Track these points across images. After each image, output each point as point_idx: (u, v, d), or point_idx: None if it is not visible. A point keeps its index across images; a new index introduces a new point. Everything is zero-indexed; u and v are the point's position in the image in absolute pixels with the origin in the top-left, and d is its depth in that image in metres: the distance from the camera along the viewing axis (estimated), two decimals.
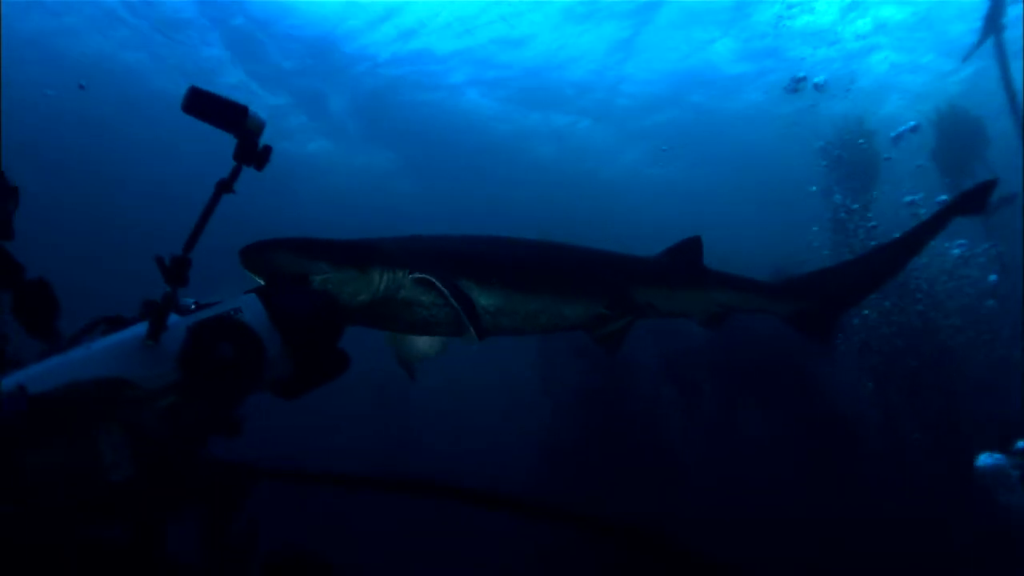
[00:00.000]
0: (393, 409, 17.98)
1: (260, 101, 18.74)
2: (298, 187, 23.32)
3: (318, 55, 18.02)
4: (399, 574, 10.47)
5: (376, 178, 24.87)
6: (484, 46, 17.69)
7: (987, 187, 4.77)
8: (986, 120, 13.12)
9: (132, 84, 18.70)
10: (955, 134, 12.90)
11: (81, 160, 21.65)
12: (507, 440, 14.52)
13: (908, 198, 12.35)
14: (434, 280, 3.48)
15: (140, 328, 1.48)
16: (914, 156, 13.63)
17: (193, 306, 1.54)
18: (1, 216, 1.87)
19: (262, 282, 3.09)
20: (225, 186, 1.58)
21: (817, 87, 16.15)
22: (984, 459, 6.36)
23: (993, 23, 12.06)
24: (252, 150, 1.59)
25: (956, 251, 11.85)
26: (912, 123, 13.89)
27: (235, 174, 1.58)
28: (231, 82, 18.46)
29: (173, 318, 1.49)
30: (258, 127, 1.59)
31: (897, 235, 5.19)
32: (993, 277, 12.06)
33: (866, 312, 10.29)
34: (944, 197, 12.93)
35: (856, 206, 11.65)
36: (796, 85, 16.13)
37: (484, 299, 3.76)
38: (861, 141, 12.41)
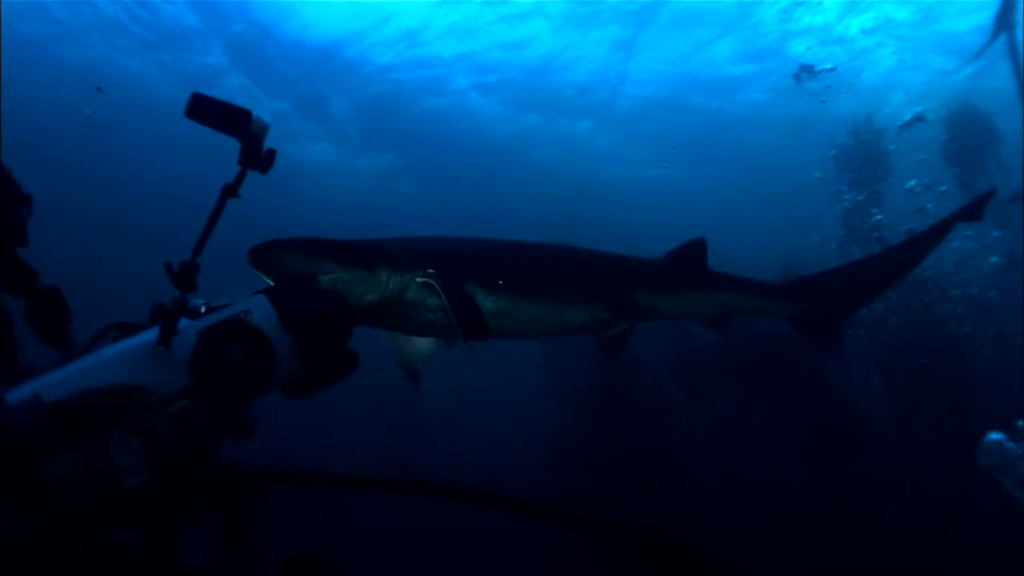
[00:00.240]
0: (400, 410, 17.98)
1: (262, 106, 18.78)
2: (299, 188, 23.37)
3: (319, 60, 18.04)
4: (404, 574, 10.48)
5: (377, 180, 24.90)
6: (485, 49, 17.70)
7: (986, 197, 4.96)
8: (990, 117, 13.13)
9: (133, 89, 18.75)
10: (965, 131, 12.88)
11: (81, 162, 21.71)
12: (515, 441, 14.50)
13: (911, 182, 12.37)
14: (435, 285, 3.49)
15: (151, 334, 1.49)
16: (919, 152, 13.60)
17: (203, 308, 1.55)
18: (15, 223, 1.88)
19: (271, 282, 3.12)
20: (230, 191, 1.58)
21: (828, 72, 16.11)
22: (988, 439, 6.45)
23: (1005, 21, 12.02)
24: (256, 154, 1.59)
25: (955, 243, 11.86)
26: (918, 109, 13.89)
27: (240, 178, 1.58)
28: (233, 87, 18.51)
29: (183, 322, 1.50)
30: (261, 131, 1.59)
31: (904, 229, 5.23)
32: (994, 259, 12.09)
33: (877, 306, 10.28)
34: (944, 188, 12.99)
35: (861, 197, 11.65)
36: (802, 72, 16.08)
37: (488, 304, 3.78)
38: (868, 137, 12.40)
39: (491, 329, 3.74)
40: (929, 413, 9.84)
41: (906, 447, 9.85)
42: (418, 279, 3.54)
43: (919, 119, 13.66)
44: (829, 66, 16.23)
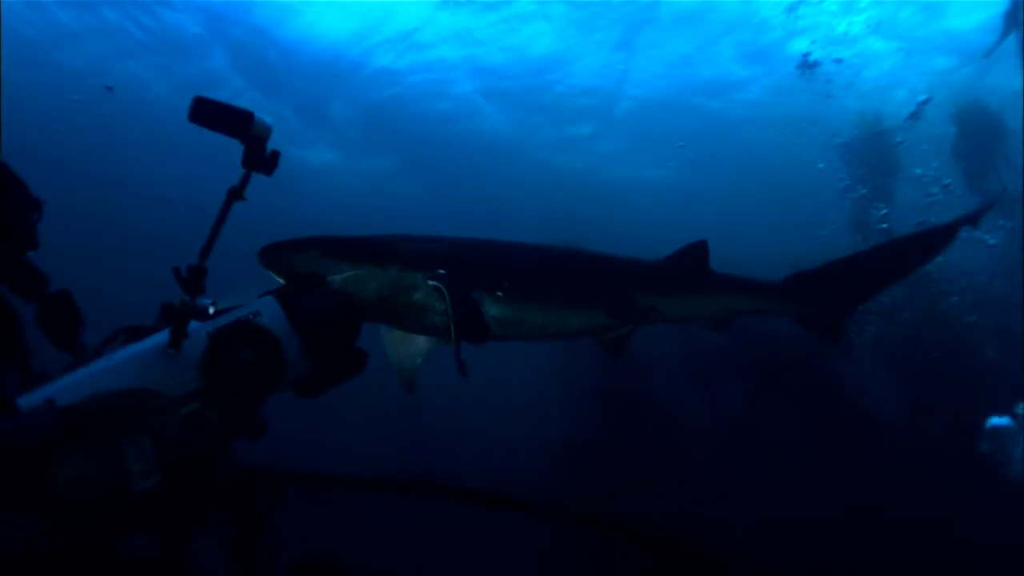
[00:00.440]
0: (402, 409, 17.98)
1: (263, 109, 18.70)
2: (301, 190, 23.37)
3: (320, 63, 18.06)
4: (410, 574, 10.48)
5: (379, 181, 24.89)
6: (486, 51, 17.71)
7: (989, 206, 5.00)
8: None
9: (133, 91, 18.77)
10: (975, 129, 12.86)
11: (81, 163, 21.73)
12: (518, 441, 14.50)
13: (918, 170, 12.36)
14: (443, 288, 3.51)
15: (161, 336, 1.51)
16: (926, 143, 13.60)
17: (211, 309, 1.56)
18: (26, 227, 1.90)
19: (281, 282, 3.14)
20: (236, 193, 1.58)
21: (835, 62, 16.05)
22: (990, 424, 6.51)
23: (1015, 19, 11.99)
24: (260, 156, 1.59)
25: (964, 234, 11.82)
26: (923, 96, 13.88)
27: (245, 181, 1.59)
28: (234, 90, 18.52)
29: (193, 324, 1.52)
30: (264, 132, 1.59)
31: (916, 222, 5.17)
32: (993, 241, 12.11)
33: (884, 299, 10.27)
34: (948, 180, 12.98)
35: (864, 190, 11.64)
36: (806, 61, 16.03)
37: (493, 309, 3.79)
38: (876, 131, 12.40)
39: (493, 333, 3.76)
40: (936, 409, 9.81)
41: (914, 446, 9.79)
42: (428, 281, 3.55)
43: (925, 104, 13.64)
44: (835, 57, 16.17)
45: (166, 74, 18.18)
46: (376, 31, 16.72)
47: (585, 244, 4.83)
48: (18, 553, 1.33)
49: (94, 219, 23.48)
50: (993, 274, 11.72)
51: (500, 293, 3.80)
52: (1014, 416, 6.58)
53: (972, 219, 4.90)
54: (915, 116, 13.69)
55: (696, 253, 4.62)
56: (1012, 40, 12.12)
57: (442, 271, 3.59)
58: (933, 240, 4.86)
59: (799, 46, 16.92)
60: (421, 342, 4.18)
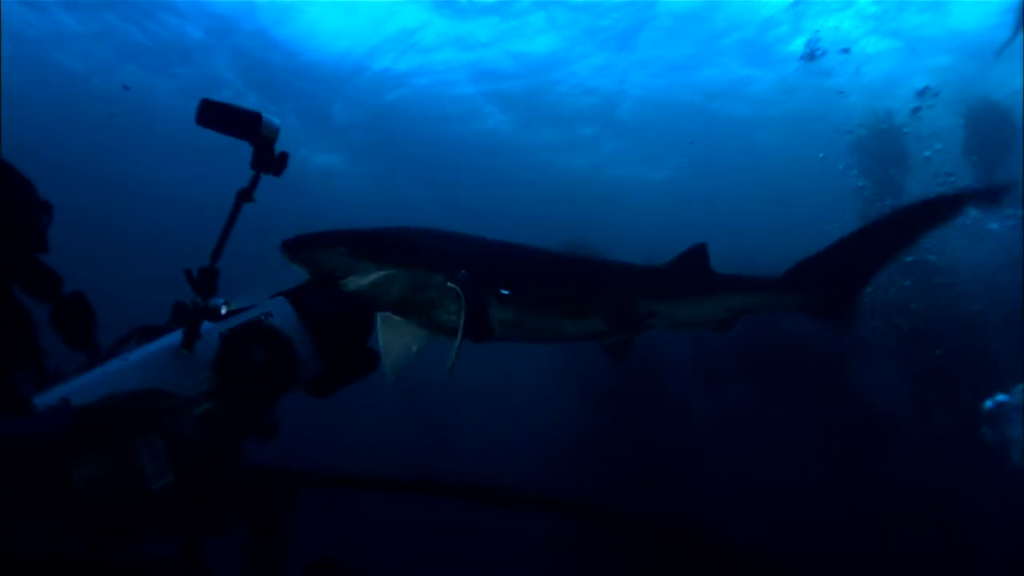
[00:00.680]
0: (416, 409, 18.02)
1: (264, 112, 18.76)
2: (305, 191, 23.43)
3: (322, 67, 18.10)
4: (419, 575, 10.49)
5: (381, 182, 24.93)
6: (487, 53, 17.74)
7: (1005, 189, 4.88)
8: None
9: (137, 94, 18.83)
10: (986, 125, 12.81)
11: (82, 164, 21.82)
12: (528, 440, 14.49)
13: (927, 152, 12.31)
14: (460, 292, 3.52)
15: (173, 337, 1.52)
16: (933, 133, 13.57)
17: (223, 310, 1.57)
18: (36, 230, 1.91)
19: (303, 275, 3.15)
20: (245, 195, 1.59)
21: (842, 52, 16.00)
22: (991, 402, 6.53)
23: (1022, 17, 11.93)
24: (269, 157, 1.59)
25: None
26: (927, 84, 13.85)
27: (254, 183, 1.59)
28: (235, 94, 18.55)
29: (205, 325, 1.53)
30: (272, 133, 1.59)
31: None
32: (995, 225, 12.04)
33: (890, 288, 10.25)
34: (952, 176, 12.94)
35: (865, 183, 11.62)
36: (812, 49, 15.97)
37: (499, 313, 3.82)
38: (885, 127, 12.37)
39: (496, 335, 3.79)
40: (943, 403, 9.76)
41: (924, 445, 9.73)
42: (448, 283, 3.57)
43: (933, 95, 13.61)
44: (844, 46, 16.09)
45: (167, 77, 18.23)
46: (378, 34, 16.75)
47: (588, 244, 4.84)
48: (33, 555, 1.34)
49: (95, 220, 23.58)
50: (1001, 265, 11.69)
51: (505, 294, 3.83)
52: (1014, 395, 6.64)
53: (988, 197, 4.79)
54: (923, 94, 13.64)
55: (696, 256, 4.62)
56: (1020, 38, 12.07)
57: (463, 272, 3.61)
58: (934, 211, 4.68)
59: (801, 43, 16.89)
60: (415, 334, 4.16)
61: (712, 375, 11.22)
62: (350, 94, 19.59)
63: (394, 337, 4.08)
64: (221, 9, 15.62)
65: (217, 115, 1.55)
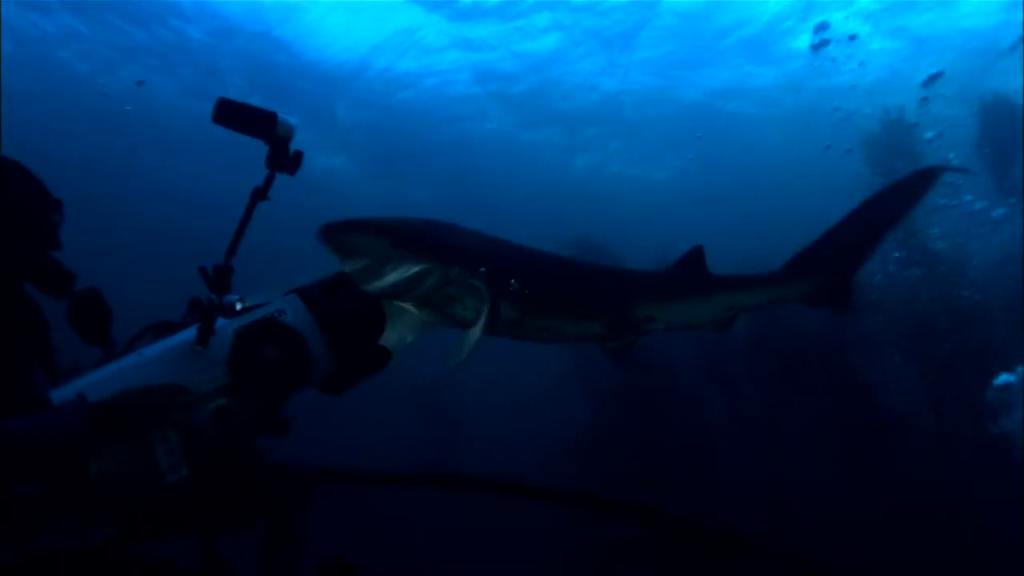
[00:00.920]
0: (426, 407, 18.02)
1: None
2: (308, 192, 23.44)
3: (326, 69, 18.13)
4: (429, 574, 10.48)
5: (382, 183, 24.94)
6: (490, 55, 17.76)
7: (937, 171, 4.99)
8: None
9: (142, 96, 18.87)
10: (998, 122, 12.82)
11: (83, 161, 21.89)
12: (538, 439, 14.46)
13: (929, 134, 12.31)
14: (483, 290, 3.57)
15: (188, 333, 1.53)
16: (941, 121, 13.59)
17: (238, 306, 1.58)
18: (48, 228, 1.92)
19: (337, 259, 3.22)
20: (260, 194, 1.60)
21: (849, 39, 15.95)
22: (997, 381, 6.59)
23: None
24: (283, 156, 1.60)
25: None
26: (935, 70, 13.85)
27: (269, 181, 1.60)
28: (238, 93, 18.55)
29: (220, 322, 1.54)
30: (288, 132, 1.60)
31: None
32: (1001, 211, 11.99)
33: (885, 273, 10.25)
34: (952, 155, 12.98)
35: (875, 179, 11.64)
36: (819, 37, 15.93)
37: (506, 312, 3.88)
38: (895, 117, 12.37)
39: (497, 332, 3.86)
40: (953, 395, 9.74)
41: (936, 442, 9.68)
42: (475, 281, 3.63)
43: (939, 77, 13.61)
44: (851, 31, 16.05)
45: (171, 77, 18.27)
46: (381, 35, 16.77)
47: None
48: (55, 553, 1.35)
49: (96, 217, 23.65)
50: (1006, 254, 11.73)
51: (513, 299, 3.88)
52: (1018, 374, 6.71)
53: (946, 170, 4.92)
54: (935, 79, 13.64)
55: (693, 259, 4.69)
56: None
57: (483, 271, 3.67)
58: (911, 189, 4.84)
59: (806, 41, 16.86)
60: (411, 326, 4.19)
61: (726, 373, 11.17)
62: (354, 95, 19.61)
63: (389, 327, 4.09)
64: (225, 10, 15.67)
65: (234, 114, 1.57)
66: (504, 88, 19.65)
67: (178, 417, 1.42)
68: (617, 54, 18.11)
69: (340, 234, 3.31)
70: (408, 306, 3.66)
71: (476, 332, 3.53)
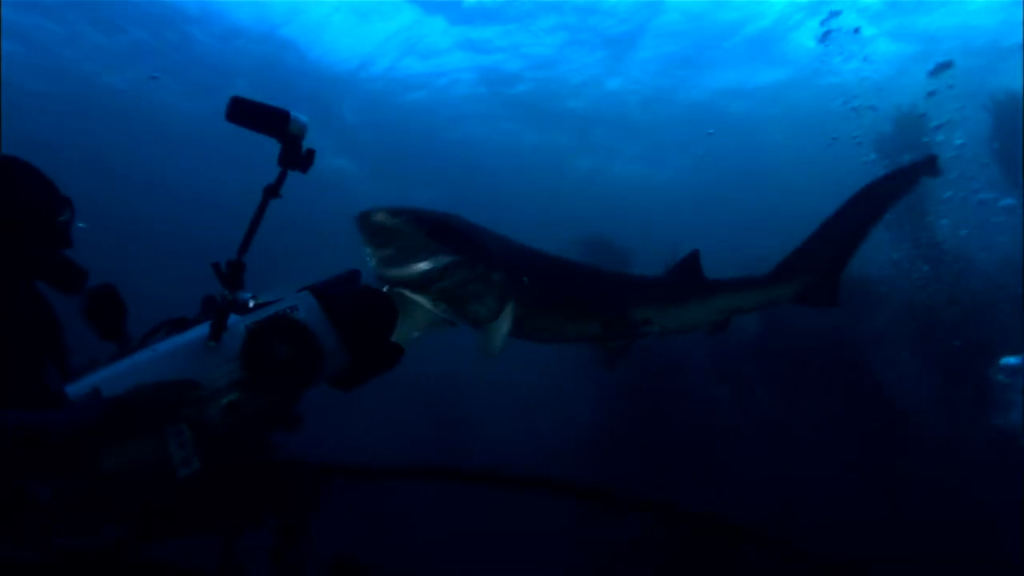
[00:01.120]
0: (434, 405, 18.03)
1: None
2: (311, 192, 23.50)
3: (329, 72, 18.18)
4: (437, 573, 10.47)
5: (385, 184, 24.99)
6: (492, 56, 17.77)
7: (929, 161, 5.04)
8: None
9: (143, 97, 18.95)
10: (1010, 119, 12.81)
11: (83, 159, 21.99)
12: (547, 439, 14.45)
13: (934, 123, 12.29)
14: (509, 294, 3.63)
15: (201, 329, 1.54)
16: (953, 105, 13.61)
17: (251, 303, 1.58)
18: (59, 226, 1.93)
19: (368, 244, 3.30)
20: (272, 191, 1.60)
21: (857, 31, 15.95)
22: (1003, 362, 6.61)
23: None
24: (296, 154, 1.61)
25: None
26: (944, 60, 13.85)
27: (281, 179, 1.60)
28: (241, 93, 18.57)
29: (232, 317, 1.55)
30: (300, 131, 1.60)
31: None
32: (1009, 200, 11.97)
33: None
34: (960, 142, 12.95)
35: (873, 156, 11.64)
36: (827, 27, 15.92)
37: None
38: (905, 111, 12.39)
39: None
40: (962, 390, 9.71)
41: (945, 441, 9.64)
42: (501, 280, 3.69)
43: (948, 67, 13.60)
44: (857, 25, 16.04)
45: (175, 77, 18.33)
46: (387, 37, 16.81)
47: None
48: (70, 553, 1.36)
49: (111, 217, 23.77)
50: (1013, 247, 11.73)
51: (518, 299, 3.92)
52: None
53: (927, 165, 4.94)
54: (941, 68, 13.62)
55: (689, 264, 4.81)
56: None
57: (506, 274, 3.72)
58: (894, 185, 4.91)
59: (810, 39, 16.83)
60: (422, 316, 4.21)
61: (737, 372, 11.15)
62: (360, 96, 19.66)
63: (399, 322, 4.10)
64: (231, 12, 15.72)
65: (246, 112, 1.58)
66: (509, 88, 19.66)
67: (190, 412, 1.44)
68: (621, 54, 18.10)
69: (381, 217, 3.35)
70: (421, 300, 3.67)
71: (504, 326, 3.58)
